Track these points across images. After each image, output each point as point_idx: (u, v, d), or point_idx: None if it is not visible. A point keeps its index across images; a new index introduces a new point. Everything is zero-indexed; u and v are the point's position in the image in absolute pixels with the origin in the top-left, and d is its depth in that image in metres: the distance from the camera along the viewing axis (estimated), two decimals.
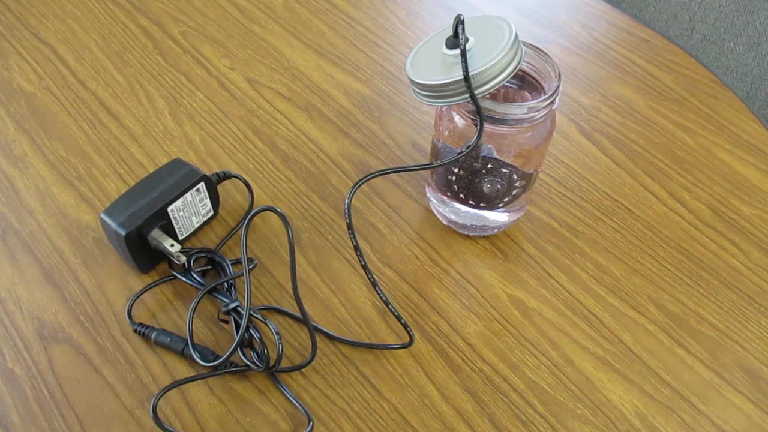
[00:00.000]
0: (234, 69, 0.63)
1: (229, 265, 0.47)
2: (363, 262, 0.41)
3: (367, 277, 0.41)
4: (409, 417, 0.42)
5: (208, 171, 0.54)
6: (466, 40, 0.40)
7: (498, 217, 0.50)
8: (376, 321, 0.47)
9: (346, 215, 0.39)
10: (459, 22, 0.40)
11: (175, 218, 0.47)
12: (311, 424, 0.41)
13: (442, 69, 0.41)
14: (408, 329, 0.44)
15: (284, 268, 0.49)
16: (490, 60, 0.40)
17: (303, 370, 0.44)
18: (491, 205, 0.48)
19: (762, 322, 0.48)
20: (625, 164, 0.57)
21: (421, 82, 0.41)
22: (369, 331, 0.46)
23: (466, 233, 0.51)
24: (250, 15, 0.68)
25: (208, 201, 0.50)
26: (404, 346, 0.45)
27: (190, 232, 0.50)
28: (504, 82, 0.41)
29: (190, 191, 0.48)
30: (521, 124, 0.42)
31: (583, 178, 0.56)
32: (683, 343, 0.47)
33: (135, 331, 0.45)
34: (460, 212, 0.50)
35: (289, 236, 0.38)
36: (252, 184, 0.54)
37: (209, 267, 0.48)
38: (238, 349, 0.43)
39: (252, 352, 0.43)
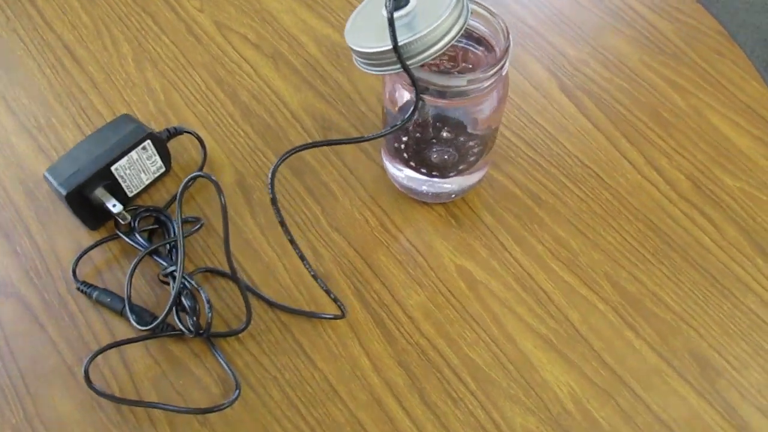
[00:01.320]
0: (203, 11, 0.60)
1: (174, 226, 0.47)
2: (290, 237, 0.40)
3: (296, 252, 0.40)
4: (339, 387, 0.43)
5: (166, 122, 0.53)
6: (401, 4, 0.37)
7: (452, 184, 0.48)
8: (318, 288, 0.46)
9: (270, 191, 0.38)
10: None
11: (121, 177, 0.47)
12: (238, 391, 0.42)
13: (381, 34, 0.38)
14: (338, 303, 0.44)
15: (233, 228, 0.49)
16: (425, 27, 0.37)
17: (240, 335, 0.44)
18: (443, 174, 0.46)
19: (723, 307, 0.45)
20: (603, 126, 0.53)
21: (355, 48, 0.39)
22: (309, 298, 0.46)
23: (421, 200, 0.50)
24: None
25: (157, 158, 0.49)
26: (337, 318, 0.44)
27: (139, 189, 0.49)
28: (444, 50, 0.38)
29: (136, 149, 0.47)
30: (464, 96, 0.40)
31: (556, 141, 0.53)
32: (634, 326, 0.45)
33: (78, 289, 0.45)
34: (413, 179, 0.48)
35: (222, 204, 0.37)
36: (208, 139, 0.53)
37: (157, 226, 0.48)
38: (174, 312, 0.43)
39: (188, 317, 0.43)
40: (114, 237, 0.48)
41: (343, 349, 0.44)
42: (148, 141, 0.47)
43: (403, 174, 0.48)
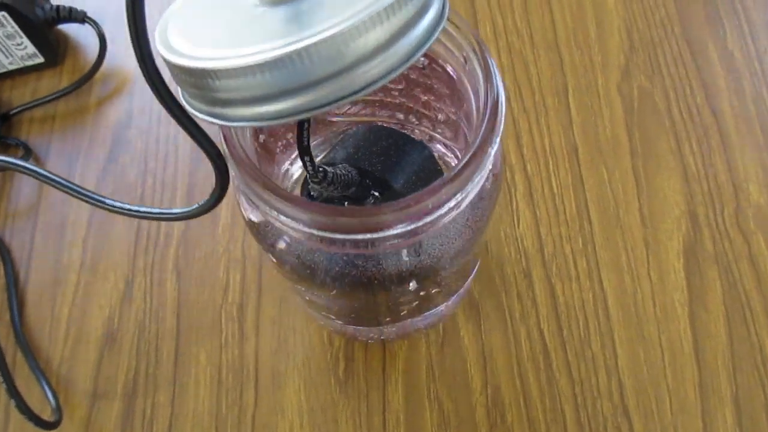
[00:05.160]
0: None
1: None
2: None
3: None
4: None
5: None
6: None
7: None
8: (96, 346, 0.29)
9: None
10: None
11: None
12: None
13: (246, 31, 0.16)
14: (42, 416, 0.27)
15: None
16: (333, 21, 0.14)
17: None
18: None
19: None
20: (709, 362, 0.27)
21: (167, 55, 0.17)
22: (76, 351, 0.29)
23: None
24: None
25: (26, 41, 0.33)
26: (45, 427, 0.27)
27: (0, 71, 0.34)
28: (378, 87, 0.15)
29: None
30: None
31: (606, 333, 0.28)
32: None
33: None
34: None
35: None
36: (122, 34, 0.35)
37: None
38: None
39: None
40: None
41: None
42: (3, 13, 0.31)
43: None
